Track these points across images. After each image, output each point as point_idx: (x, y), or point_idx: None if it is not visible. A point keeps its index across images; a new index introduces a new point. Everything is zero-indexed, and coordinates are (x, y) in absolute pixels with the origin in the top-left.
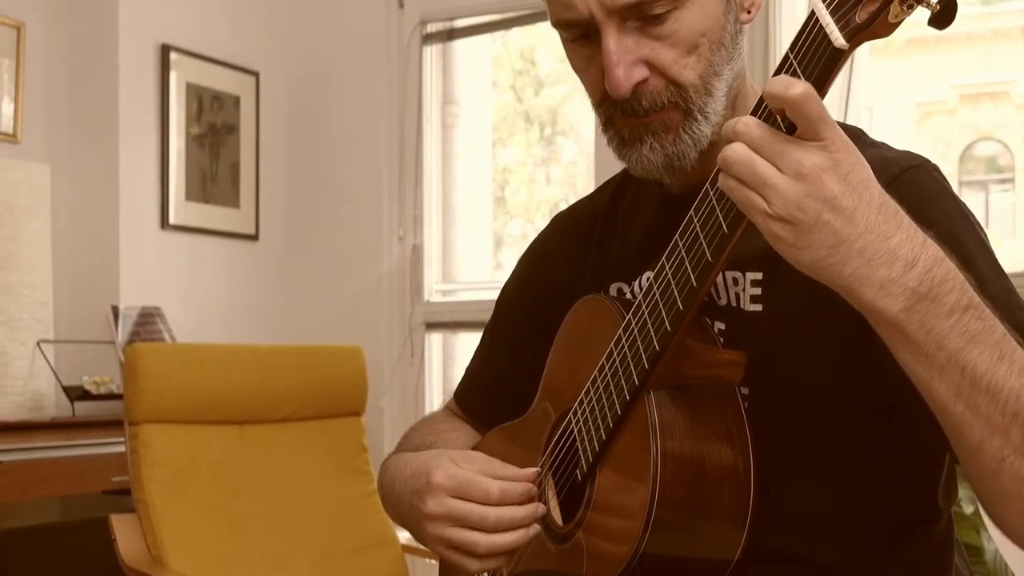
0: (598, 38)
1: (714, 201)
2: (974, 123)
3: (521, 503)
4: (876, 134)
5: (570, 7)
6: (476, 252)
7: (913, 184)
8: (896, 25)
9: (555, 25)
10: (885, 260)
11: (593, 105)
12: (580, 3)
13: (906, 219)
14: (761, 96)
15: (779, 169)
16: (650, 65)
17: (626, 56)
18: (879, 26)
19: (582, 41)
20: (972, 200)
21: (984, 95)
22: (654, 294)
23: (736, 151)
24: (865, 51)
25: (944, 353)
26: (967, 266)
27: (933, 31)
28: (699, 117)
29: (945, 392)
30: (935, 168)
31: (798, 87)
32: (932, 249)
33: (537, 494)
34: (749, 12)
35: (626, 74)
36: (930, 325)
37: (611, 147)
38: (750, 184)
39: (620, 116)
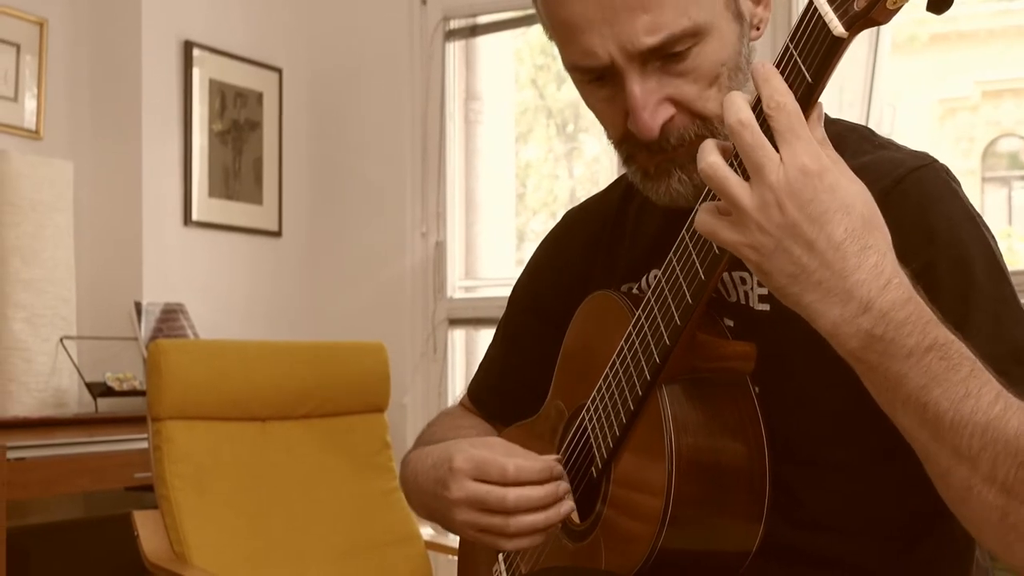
0: (617, 79)
1: None
2: (997, 119)
3: (540, 481)
4: (899, 131)
5: (589, 54)
6: (499, 248)
7: (919, 184)
8: (895, 11)
9: (570, 69)
10: (839, 299)
11: (612, 142)
12: (600, 50)
13: (872, 258)
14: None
15: (749, 186)
16: (674, 102)
17: (651, 98)
18: (878, 13)
19: (600, 83)
20: (995, 196)
21: (1007, 91)
22: (663, 288)
23: (715, 169)
24: (887, 48)
25: (904, 391)
26: (963, 272)
27: (955, 27)
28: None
29: (908, 422)
30: (943, 168)
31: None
32: (893, 292)
33: (560, 471)
34: (759, 29)
35: (652, 116)
36: (887, 365)
37: (634, 180)
38: (723, 198)
39: (644, 154)
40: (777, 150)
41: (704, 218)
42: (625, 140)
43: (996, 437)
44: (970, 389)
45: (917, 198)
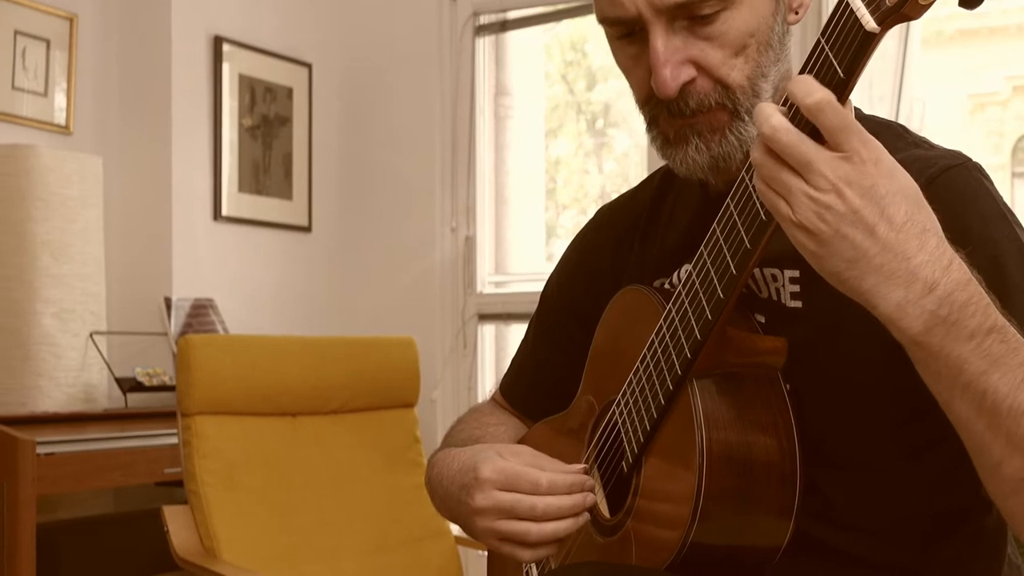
0: (645, 36)
1: (751, 189)
2: None
3: (569, 492)
4: (929, 126)
5: (618, 5)
6: (529, 243)
7: (952, 184)
8: (927, 7)
9: (601, 22)
10: (903, 280)
11: (638, 104)
12: (628, 1)
13: (932, 240)
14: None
15: (803, 179)
16: (698, 65)
17: (674, 56)
18: (910, 8)
19: (629, 39)
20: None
21: None
22: (694, 283)
23: (763, 157)
24: (917, 43)
25: (965, 376)
26: (998, 270)
27: (986, 23)
28: (746, 118)
29: (966, 411)
30: (976, 167)
31: (815, 95)
32: (956, 273)
33: (588, 484)
34: (797, 13)
35: (673, 74)
36: (950, 348)
37: (655, 146)
38: (776, 190)
39: (665, 116)
40: (826, 145)
41: (762, 187)
42: (649, 102)
43: None
44: None
45: (950, 197)
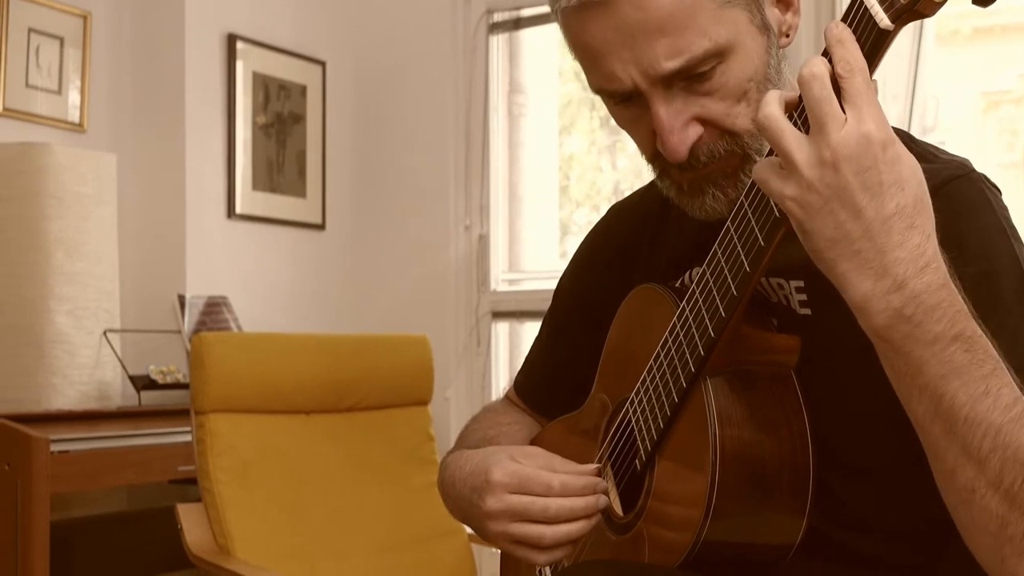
0: (643, 101)
1: None
2: None
3: (582, 495)
4: (942, 124)
5: (612, 79)
6: (542, 241)
7: (956, 194)
8: (940, 4)
9: (596, 92)
10: (874, 273)
11: (645, 158)
12: (622, 74)
13: (916, 238)
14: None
15: (807, 141)
16: (702, 120)
17: (677, 120)
18: (924, 6)
19: (626, 104)
20: None
21: None
22: (708, 282)
23: (771, 120)
24: (931, 41)
25: (923, 378)
26: (991, 285)
27: (999, 20)
28: (757, 158)
29: (923, 413)
30: (982, 179)
31: (850, 56)
32: (929, 276)
33: (601, 485)
34: (788, 36)
35: (681, 138)
36: (910, 348)
37: (668, 193)
38: (777, 150)
39: (677, 171)
40: (844, 112)
41: (760, 167)
42: (657, 158)
43: (1007, 442)
44: (990, 387)
45: (953, 207)
